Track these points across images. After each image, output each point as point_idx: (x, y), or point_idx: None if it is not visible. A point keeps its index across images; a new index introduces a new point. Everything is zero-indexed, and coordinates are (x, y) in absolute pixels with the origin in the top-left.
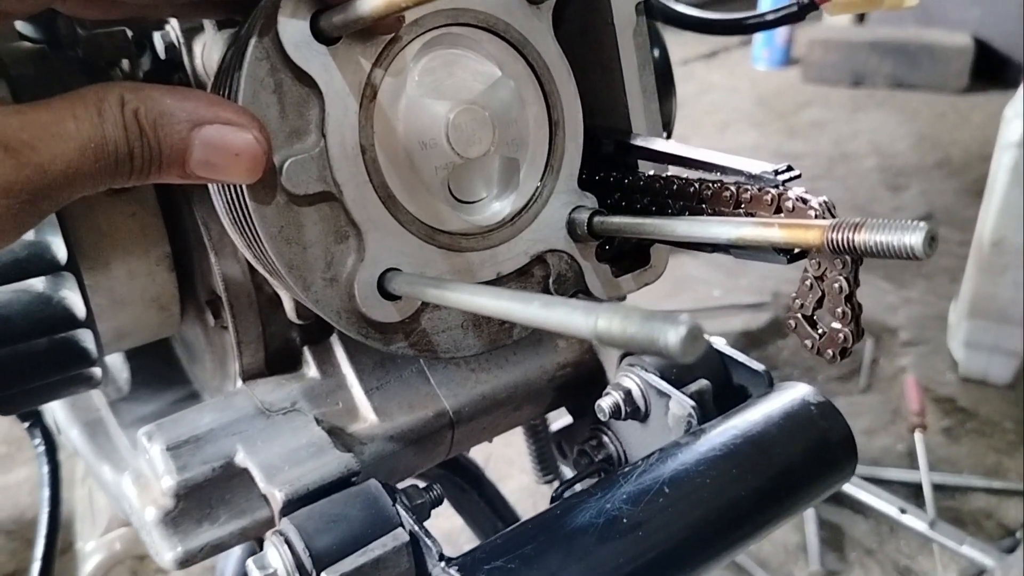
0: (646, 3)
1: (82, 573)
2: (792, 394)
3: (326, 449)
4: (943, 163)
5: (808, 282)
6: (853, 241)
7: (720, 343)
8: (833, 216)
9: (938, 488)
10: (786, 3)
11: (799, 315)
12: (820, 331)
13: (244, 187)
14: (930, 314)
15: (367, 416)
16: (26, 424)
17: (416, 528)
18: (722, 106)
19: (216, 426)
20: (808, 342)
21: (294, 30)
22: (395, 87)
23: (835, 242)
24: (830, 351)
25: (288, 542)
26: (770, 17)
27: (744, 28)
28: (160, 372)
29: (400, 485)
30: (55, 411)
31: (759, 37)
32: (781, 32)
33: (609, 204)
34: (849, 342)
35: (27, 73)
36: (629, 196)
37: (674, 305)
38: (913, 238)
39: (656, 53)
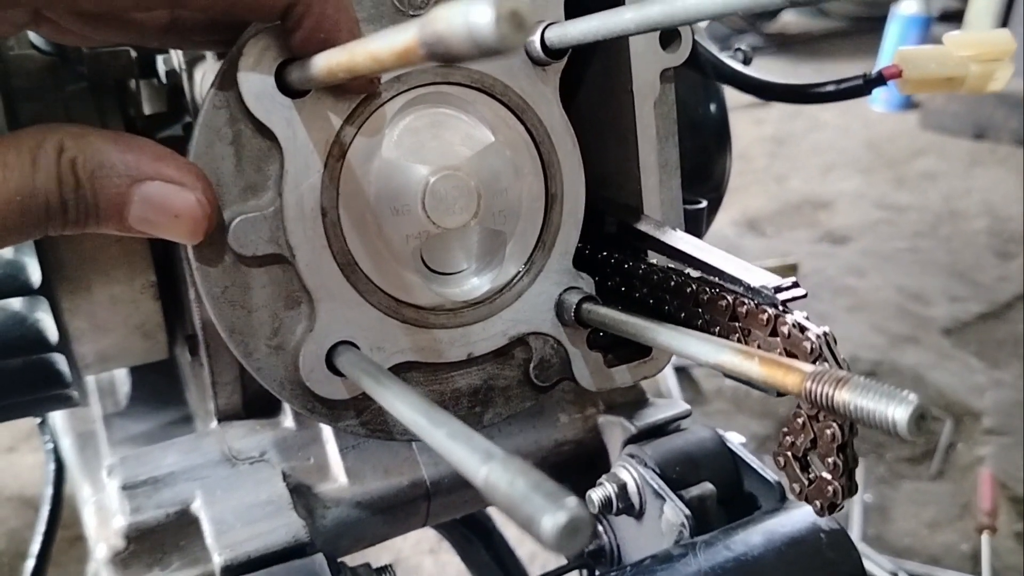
0: (694, 59)
1: (91, 566)
2: (802, 517)
3: (283, 510)
4: None
5: (801, 420)
6: (832, 399)
7: (736, 441)
8: (833, 353)
9: None
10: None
11: (788, 454)
12: (811, 475)
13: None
14: (1021, 401)
15: (337, 476)
16: (39, 420)
17: None
18: (829, 147)
19: (178, 469)
20: (796, 486)
21: (256, 80)
22: (368, 147)
23: (814, 395)
24: (818, 503)
25: None
26: (832, 88)
27: (803, 97)
28: (161, 389)
29: (356, 561)
30: (55, 415)
31: None
32: None
33: (609, 287)
34: (839, 497)
35: (23, 87)
36: (629, 282)
37: None
38: (898, 412)
39: (713, 108)
